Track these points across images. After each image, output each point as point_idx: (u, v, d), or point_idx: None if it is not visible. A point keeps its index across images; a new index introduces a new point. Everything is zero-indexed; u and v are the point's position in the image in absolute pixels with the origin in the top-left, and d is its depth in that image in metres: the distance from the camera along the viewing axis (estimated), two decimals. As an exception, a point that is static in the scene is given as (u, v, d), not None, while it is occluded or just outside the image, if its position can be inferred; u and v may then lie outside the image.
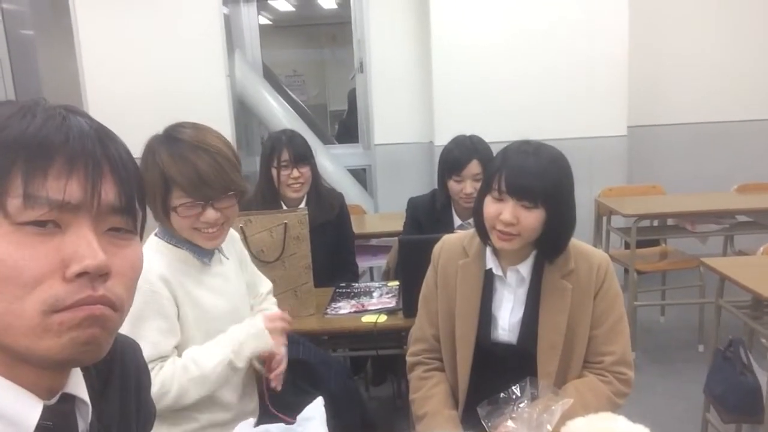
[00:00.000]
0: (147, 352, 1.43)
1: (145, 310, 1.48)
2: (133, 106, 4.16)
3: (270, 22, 8.14)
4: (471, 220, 1.71)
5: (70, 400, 0.70)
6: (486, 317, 1.63)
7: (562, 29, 4.23)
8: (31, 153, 0.62)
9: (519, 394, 1.37)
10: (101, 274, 0.63)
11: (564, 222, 1.54)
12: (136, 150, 1.10)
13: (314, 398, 1.32)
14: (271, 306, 1.90)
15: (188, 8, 4.31)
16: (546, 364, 1.57)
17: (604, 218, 3.91)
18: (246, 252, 1.89)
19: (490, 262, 1.62)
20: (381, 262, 3.47)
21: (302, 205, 2.66)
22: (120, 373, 0.81)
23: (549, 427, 1.29)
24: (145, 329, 1.48)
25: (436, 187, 2.72)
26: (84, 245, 0.62)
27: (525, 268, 1.61)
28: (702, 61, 4.87)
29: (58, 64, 4.76)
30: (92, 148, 0.64)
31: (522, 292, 1.62)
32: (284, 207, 2.62)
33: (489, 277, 1.64)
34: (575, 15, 4.22)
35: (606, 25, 4.24)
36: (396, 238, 2.69)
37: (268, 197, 2.63)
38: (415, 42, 4.59)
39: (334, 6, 7.53)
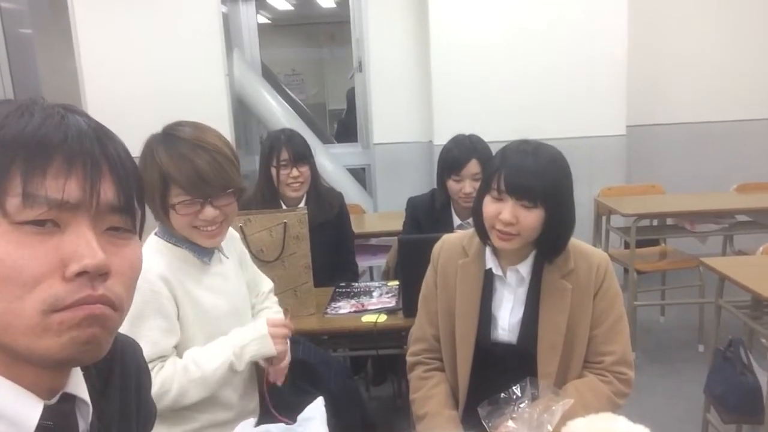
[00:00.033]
0: (147, 352, 1.42)
1: (145, 309, 1.48)
2: (132, 105, 4.16)
3: (269, 21, 8.14)
4: (470, 220, 1.71)
5: (70, 399, 0.70)
6: (486, 317, 1.63)
7: (561, 29, 4.23)
8: (30, 152, 0.61)
9: (519, 394, 1.37)
10: (101, 274, 0.63)
11: (563, 221, 1.54)
12: (135, 149, 1.10)
13: (314, 398, 1.32)
14: (273, 305, 1.89)
15: (187, 7, 4.30)
16: (546, 364, 1.57)
17: (604, 218, 3.91)
18: (246, 251, 1.88)
19: (490, 262, 1.62)
20: (380, 262, 3.47)
21: (302, 204, 2.66)
22: (120, 373, 0.81)
23: (549, 428, 1.28)
24: (145, 328, 1.48)
25: (435, 186, 2.72)
26: (83, 244, 0.62)
27: (525, 268, 1.61)
28: (701, 60, 4.88)
29: (57, 63, 4.76)
30: (91, 148, 0.64)
31: (522, 291, 1.62)
32: (284, 206, 2.62)
33: (489, 277, 1.63)
34: (574, 14, 4.22)
35: (605, 24, 4.24)
36: (395, 238, 2.69)
37: (268, 197, 2.63)
38: (414, 41, 4.59)
39: (332, 5, 7.52)
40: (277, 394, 1.74)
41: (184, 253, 1.60)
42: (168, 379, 1.49)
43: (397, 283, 2.48)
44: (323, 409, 1.29)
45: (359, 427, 1.96)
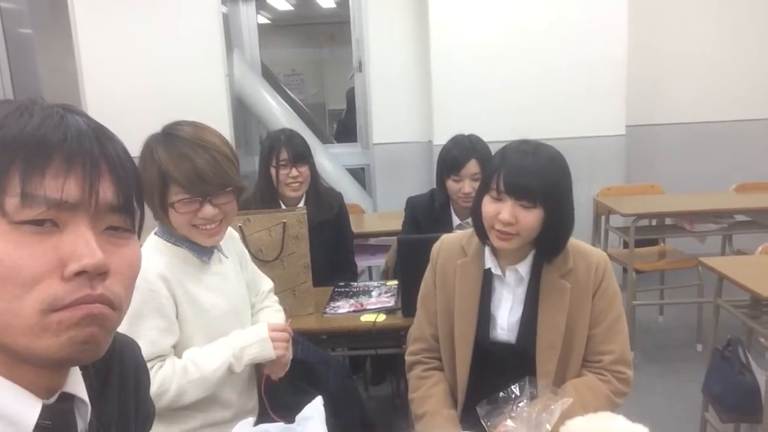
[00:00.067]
0: (145, 351, 1.43)
1: (144, 308, 1.48)
2: (132, 105, 4.16)
3: (269, 22, 8.14)
4: (469, 220, 1.71)
5: (69, 399, 0.70)
6: (485, 317, 1.63)
7: (561, 29, 4.24)
8: (29, 152, 0.62)
9: (518, 394, 1.37)
10: (99, 273, 0.63)
11: (562, 221, 1.54)
12: (135, 149, 1.10)
13: (313, 398, 1.32)
14: (273, 304, 1.90)
15: (187, 7, 4.30)
16: (545, 363, 1.57)
17: (603, 217, 3.91)
18: (246, 251, 1.89)
19: (489, 262, 1.62)
20: (380, 262, 3.47)
21: (301, 204, 2.66)
22: (119, 372, 0.81)
23: (548, 427, 1.29)
24: (144, 328, 1.48)
25: (434, 186, 2.72)
26: (82, 244, 0.62)
27: (524, 268, 1.61)
28: (701, 60, 4.88)
29: (57, 63, 4.76)
30: (90, 147, 0.65)
31: (521, 291, 1.62)
32: (283, 206, 2.62)
33: (488, 277, 1.63)
34: (574, 15, 4.22)
35: (605, 24, 4.24)
36: (395, 238, 2.69)
37: (267, 196, 2.63)
38: (414, 41, 4.59)
39: (332, 5, 7.52)
40: (276, 394, 1.74)
41: (183, 253, 1.60)
42: (167, 379, 1.50)
43: (396, 282, 2.48)
44: (322, 408, 1.29)
45: (358, 426, 1.96)
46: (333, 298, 2.41)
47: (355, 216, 3.56)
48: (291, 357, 1.71)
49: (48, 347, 0.62)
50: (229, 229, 1.74)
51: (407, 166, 4.75)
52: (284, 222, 2.18)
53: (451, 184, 2.54)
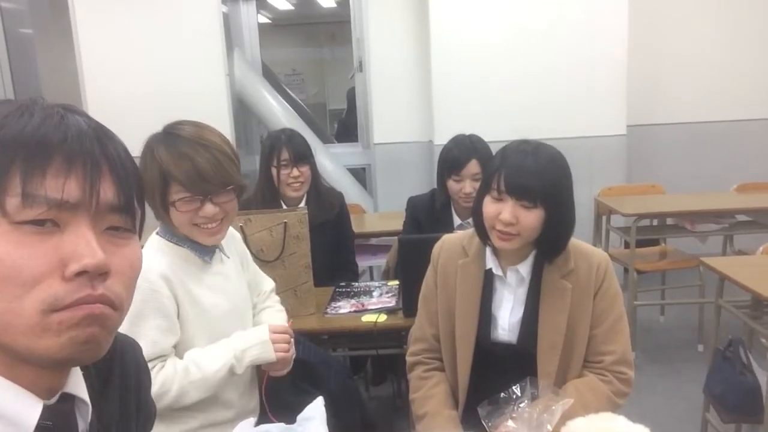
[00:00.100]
0: (146, 351, 1.43)
1: (145, 308, 1.48)
2: (132, 105, 4.16)
3: (269, 21, 8.14)
4: (470, 220, 1.71)
5: (69, 399, 0.70)
6: (486, 317, 1.63)
7: (562, 29, 4.23)
8: (30, 152, 0.61)
9: (519, 394, 1.37)
10: (100, 273, 0.63)
11: (563, 221, 1.54)
12: (135, 149, 1.10)
13: (314, 398, 1.32)
14: (274, 304, 1.90)
15: (187, 7, 4.30)
16: (546, 363, 1.57)
17: (604, 217, 3.91)
18: (247, 251, 1.89)
19: (490, 262, 1.62)
20: (380, 262, 3.47)
21: (302, 204, 2.66)
22: (120, 373, 0.81)
23: (549, 427, 1.28)
24: (145, 328, 1.48)
25: (435, 186, 2.72)
26: (83, 244, 0.62)
27: (525, 268, 1.61)
28: (701, 60, 4.88)
29: (58, 63, 4.76)
30: (91, 147, 0.64)
31: (522, 291, 1.62)
32: (284, 206, 2.62)
33: (489, 277, 1.63)
34: (575, 14, 4.22)
35: (605, 24, 4.24)
36: (396, 238, 2.69)
37: (268, 196, 2.63)
38: (415, 41, 4.59)
39: (333, 5, 7.53)
40: (277, 394, 1.74)
41: (185, 252, 1.60)
42: (168, 380, 1.50)
43: (397, 282, 2.48)
44: (323, 408, 1.29)
45: (359, 426, 1.96)
46: (334, 299, 2.41)
47: (356, 216, 3.56)
48: (294, 356, 1.71)
49: (49, 347, 0.62)
50: (231, 229, 1.74)
51: (408, 166, 4.74)
52: (285, 222, 2.18)
53: (451, 184, 2.54)
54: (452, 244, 1.71)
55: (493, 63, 4.28)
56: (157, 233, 1.63)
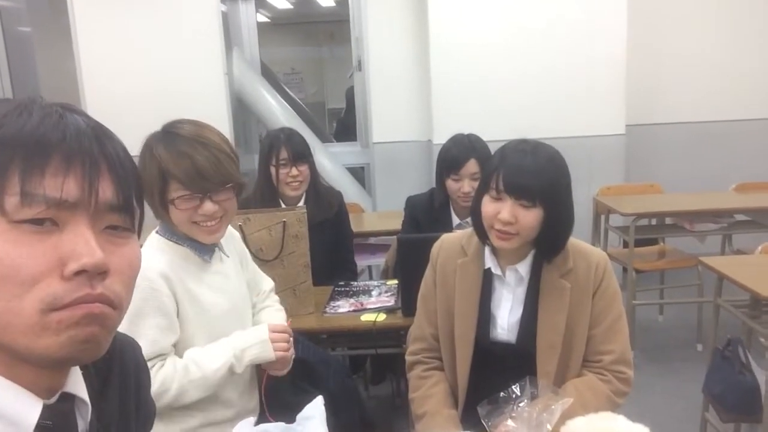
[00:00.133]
0: (146, 350, 1.42)
1: (145, 307, 1.48)
2: (131, 104, 4.15)
3: (268, 20, 8.13)
4: (469, 219, 1.71)
5: (69, 399, 0.70)
6: (485, 316, 1.63)
7: (561, 28, 4.23)
8: (28, 151, 0.61)
9: (519, 394, 1.37)
10: (99, 272, 0.63)
11: (562, 221, 1.54)
12: (134, 148, 1.09)
13: (313, 397, 1.32)
14: (273, 303, 1.90)
15: (186, 6, 4.30)
16: (545, 363, 1.57)
17: (603, 217, 3.91)
18: (247, 251, 1.89)
19: (489, 262, 1.62)
20: (379, 261, 3.47)
21: (301, 203, 2.66)
22: (119, 372, 0.81)
23: (549, 427, 1.28)
24: (144, 326, 1.48)
25: (434, 185, 2.72)
26: (82, 243, 0.62)
27: (524, 268, 1.61)
28: (700, 60, 4.88)
29: (56, 61, 4.75)
30: (89, 146, 0.64)
31: (521, 291, 1.62)
32: (283, 205, 2.62)
33: (488, 277, 1.63)
34: (574, 14, 4.22)
35: (604, 24, 4.24)
36: (394, 237, 2.69)
37: (267, 195, 2.63)
38: (414, 40, 4.59)
39: (332, 4, 7.52)
40: (277, 394, 1.74)
41: (185, 251, 1.60)
42: (168, 379, 1.50)
43: (396, 282, 2.48)
44: (322, 408, 1.29)
45: (358, 426, 1.96)
46: (333, 298, 2.40)
47: (355, 215, 3.56)
48: (293, 356, 1.71)
49: (48, 347, 0.62)
50: (230, 228, 1.74)
51: (407, 165, 4.74)
52: (284, 221, 2.18)
53: (450, 184, 2.54)
54: (451, 243, 1.70)
55: (492, 62, 4.28)
56: (157, 232, 1.63)
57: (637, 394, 1.94)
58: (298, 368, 1.77)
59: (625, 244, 3.68)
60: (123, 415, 0.81)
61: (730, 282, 2.47)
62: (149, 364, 1.46)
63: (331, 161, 4.94)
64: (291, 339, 1.70)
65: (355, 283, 2.59)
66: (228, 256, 1.72)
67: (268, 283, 1.93)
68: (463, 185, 2.50)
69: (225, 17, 4.87)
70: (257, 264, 1.96)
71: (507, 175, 1.49)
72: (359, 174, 5.26)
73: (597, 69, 4.28)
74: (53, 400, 0.68)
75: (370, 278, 3.75)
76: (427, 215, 2.67)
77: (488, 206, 1.53)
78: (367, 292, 2.45)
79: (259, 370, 1.74)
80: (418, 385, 1.69)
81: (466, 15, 4.25)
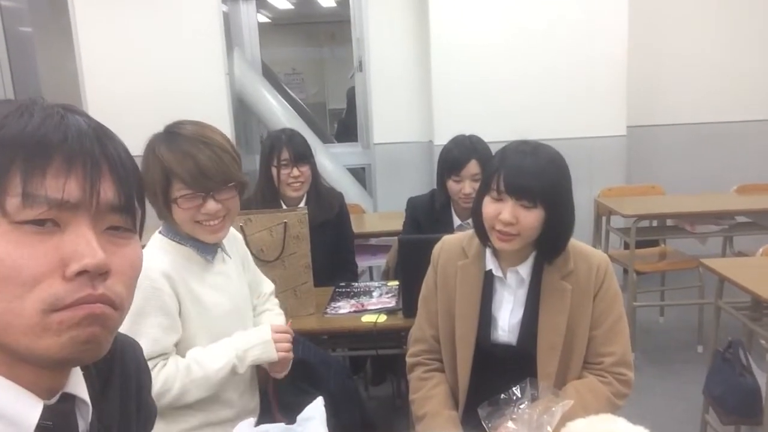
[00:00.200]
0: (148, 349, 1.43)
1: (147, 306, 1.48)
2: (132, 104, 4.16)
3: (269, 21, 8.14)
4: (470, 221, 1.71)
5: (70, 399, 0.70)
6: (486, 318, 1.63)
7: (562, 29, 4.23)
8: (30, 152, 0.61)
9: (519, 395, 1.36)
10: (101, 273, 0.63)
11: (563, 222, 1.54)
12: (135, 149, 1.10)
13: (314, 398, 1.32)
14: (274, 307, 1.90)
15: (187, 6, 4.30)
16: (546, 364, 1.57)
17: (604, 218, 3.91)
18: (248, 253, 1.89)
19: (490, 263, 1.62)
20: (380, 262, 3.47)
21: (302, 204, 2.66)
22: (120, 373, 0.81)
23: (549, 429, 1.28)
24: (146, 325, 1.48)
25: (435, 186, 2.72)
26: (83, 244, 0.62)
27: (525, 269, 1.60)
28: (701, 61, 4.88)
29: (57, 62, 4.75)
30: (91, 147, 0.64)
31: (522, 293, 1.62)
32: (284, 206, 2.61)
33: (489, 278, 1.63)
34: (575, 15, 4.22)
35: (605, 24, 4.24)
36: (395, 238, 2.69)
37: (268, 196, 2.63)
38: (415, 41, 4.59)
39: (333, 4, 7.52)
40: (278, 395, 1.74)
41: (187, 251, 1.61)
42: (170, 378, 1.50)
43: (396, 283, 2.47)
44: (323, 409, 1.28)
45: (359, 426, 1.96)
46: (334, 299, 2.40)
47: (356, 216, 3.56)
48: (292, 358, 1.71)
49: (49, 347, 0.62)
50: (233, 230, 1.75)
51: (408, 166, 4.74)
52: (285, 222, 2.18)
53: (451, 185, 2.54)
54: (452, 245, 1.70)
55: (493, 63, 4.28)
56: (160, 232, 1.64)
57: (638, 396, 1.94)
58: (298, 369, 1.78)
59: (626, 246, 3.68)
60: (124, 415, 0.80)
61: (731, 284, 2.47)
62: (151, 363, 1.46)
63: (332, 162, 4.94)
64: (292, 340, 1.70)
65: (356, 284, 2.59)
66: (230, 257, 1.72)
67: (268, 285, 1.94)
68: (464, 186, 2.50)
69: (226, 17, 4.87)
70: (258, 265, 1.97)
71: (508, 176, 1.49)
72: (360, 175, 5.26)
73: (598, 70, 4.28)
74: (54, 400, 0.68)
75: (371, 279, 3.75)
76: (428, 216, 2.67)
77: (489, 207, 1.53)
78: (368, 293, 2.45)
79: (260, 371, 1.74)
80: (418, 386, 1.68)
81: (467, 16, 4.25)
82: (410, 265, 2.09)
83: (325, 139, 5.43)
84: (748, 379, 2.28)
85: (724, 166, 4.80)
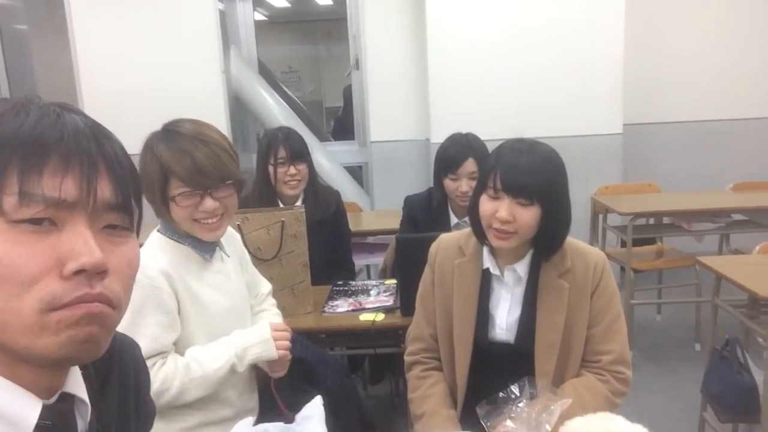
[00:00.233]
0: (147, 347, 1.43)
1: (145, 304, 1.48)
2: (128, 102, 4.15)
3: (265, 18, 8.12)
4: (467, 219, 1.70)
5: (69, 399, 0.70)
6: (483, 317, 1.63)
7: (559, 27, 4.24)
8: (26, 151, 0.61)
9: (518, 394, 1.36)
10: (98, 272, 0.63)
11: (560, 220, 1.54)
12: (132, 147, 1.09)
13: (312, 397, 1.32)
14: (271, 307, 1.90)
15: (184, 4, 4.30)
16: (543, 363, 1.57)
17: (600, 216, 3.91)
18: (246, 252, 1.89)
19: (487, 262, 1.62)
20: (377, 260, 3.47)
21: (299, 202, 2.65)
22: (119, 372, 0.81)
23: (548, 427, 1.28)
24: (145, 324, 1.48)
25: (432, 184, 2.71)
26: (80, 243, 0.62)
27: (522, 268, 1.60)
28: (698, 59, 4.89)
29: (53, 59, 4.74)
30: (87, 146, 0.64)
31: (519, 291, 1.62)
32: (281, 204, 2.61)
33: (486, 277, 1.63)
34: (572, 13, 4.22)
35: (602, 23, 4.24)
36: (393, 236, 2.68)
37: (265, 195, 2.62)
38: (411, 39, 4.59)
39: (329, 2, 7.52)
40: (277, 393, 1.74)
41: (186, 250, 1.61)
42: (169, 377, 1.50)
43: (394, 281, 2.47)
44: (321, 407, 1.28)
45: (357, 425, 1.96)
46: (331, 297, 2.40)
47: (353, 214, 3.56)
48: (290, 357, 1.71)
49: (47, 346, 0.61)
50: (230, 229, 1.75)
51: (405, 164, 4.74)
52: (282, 220, 2.18)
53: (448, 183, 2.54)
54: (449, 243, 1.70)
55: (490, 61, 4.29)
56: (158, 231, 1.64)
57: (635, 394, 1.95)
58: (296, 368, 1.77)
59: (623, 244, 3.68)
60: (122, 415, 0.80)
61: (727, 281, 2.47)
62: (150, 361, 1.46)
63: (328, 160, 4.93)
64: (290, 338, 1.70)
65: (354, 282, 2.59)
66: (228, 256, 1.72)
67: (265, 285, 1.94)
68: (461, 184, 2.50)
69: (222, 15, 4.86)
70: (255, 263, 1.96)
71: (504, 174, 1.49)
72: (357, 173, 5.25)
73: (594, 68, 4.28)
74: (53, 400, 0.67)
75: (368, 277, 3.75)
76: (425, 215, 2.67)
77: (486, 205, 1.53)
78: (365, 291, 2.45)
79: (258, 371, 1.74)
80: (416, 385, 1.68)
81: (464, 14, 4.25)
82: (407, 264, 2.09)
83: (321, 137, 5.43)
84: (745, 377, 2.29)
85: (720, 164, 4.82)
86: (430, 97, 4.37)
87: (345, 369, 2.20)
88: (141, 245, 0.74)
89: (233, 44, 5.08)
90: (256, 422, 1.27)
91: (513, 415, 1.33)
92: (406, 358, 1.75)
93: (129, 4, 4.24)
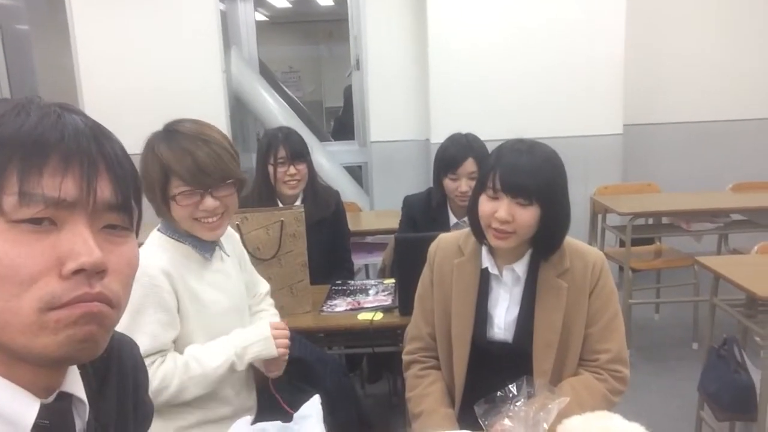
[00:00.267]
0: (146, 345, 1.44)
1: (145, 302, 1.49)
2: (129, 103, 4.16)
3: (266, 19, 8.12)
4: (466, 219, 1.71)
5: (67, 398, 0.70)
6: (482, 316, 1.63)
7: (559, 28, 4.24)
8: (27, 151, 0.61)
9: (516, 393, 1.37)
10: (98, 272, 0.63)
11: (559, 219, 1.55)
12: (132, 147, 1.10)
13: (310, 396, 1.32)
14: (269, 308, 1.91)
15: (185, 4, 4.30)
16: (542, 362, 1.57)
17: (600, 216, 3.92)
18: (245, 253, 1.89)
19: (486, 261, 1.62)
20: (376, 260, 3.47)
21: (298, 202, 2.66)
22: (117, 371, 0.81)
23: (545, 426, 1.29)
24: (145, 322, 1.49)
25: (431, 184, 2.72)
26: (80, 242, 0.62)
27: (521, 267, 1.61)
28: (698, 60, 4.89)
29: (54, 60, 4.75)
30: (87, 146, 0.64)
31: (518, 290, 1.63)
32: (280, 204, 2.62)
33: (485, 276, 1.64)
34: (572, 14, 4.23)
35: (603, 23, 4.24)
36: (392, 236, 2.69)
37: (265, 194, 2.63)
38: (412, 39, 4.59)
39: (330, 2, 7.52)
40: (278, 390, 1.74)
41: (186, 249, 1.61)
42: (168, 375, 1.50)
43: (393, 281, 2.48)
44: (320, 407, 1.29)
45: (355, 424, 1.97)
46: (330, 297, 2.41)
47: (352, 214, 3.56)
48: (288, 357, 1.71)
49: (46, 346, 0.62)
50: (230, 229, 1.76)
51: (404, 164, 4.75)
52: (282, 220, 2.18)
53: (448, 183, 2.54)
54: (448, 243, 1.71)
55: (491, 62, 4.29)
56: (158, 230, 1.64)
57: (633, 393, 1.96)
58: (294, 367, 1.78)
59: (622, 244, 3.69)
60: (121, 414, 0.81)
61: (726, 281, 2.47)
62: (149, 359, 1.47)
63: (328, 160, 4.94)
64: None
65: (353, 282, 2.59)
66: (228, 256, 1.73)
67: (264, 285, 1.94)
68: (461, 184, 2.51)
69: (223, 16, 4.86)
70: (254, 263, 1.97)
71: (504, 174, 1.49)
72: (357, 173, 5.26)
73: (595, 69, 4.28)
74: (51, 399, 0.68)
75: (367, 277, 3.75)
76: (425, 214, 2.68)
77: (485, 205, 1.53)
78: (364, 291, 2.45)
79: (257, 370, 1.74)
80: (414, 384, 1.69)
81: (465, 15, 4.25)
82: (406, 263, 2.09)
83: (321, 137, 5.43)
84: (742, 376, 2.30)
85: (719, 165, 4.82)
86: (431, 98, 4.37)
87: (343, 368, 2.20)
88: (141, 244, 0.74)
89: (234, 44, 5.08)
90: (254, 421, 1.27)
91: (511, 413, 1.33)
92: (404, 357, 1.76)
93: (130, 4, 4.25)
